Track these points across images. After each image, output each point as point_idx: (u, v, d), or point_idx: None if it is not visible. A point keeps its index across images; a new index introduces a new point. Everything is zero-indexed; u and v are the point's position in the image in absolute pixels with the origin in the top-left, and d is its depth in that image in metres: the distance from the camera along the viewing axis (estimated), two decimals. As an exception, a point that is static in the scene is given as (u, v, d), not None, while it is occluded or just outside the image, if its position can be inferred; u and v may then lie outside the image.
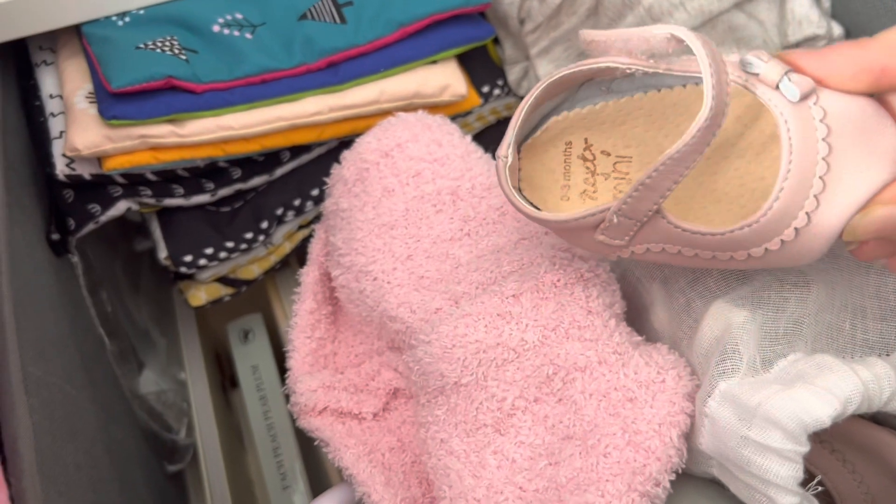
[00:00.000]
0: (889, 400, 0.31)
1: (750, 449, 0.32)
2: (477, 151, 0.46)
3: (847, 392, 0.29)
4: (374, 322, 0.44)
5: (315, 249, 0.48)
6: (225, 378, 0.68)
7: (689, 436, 0.36)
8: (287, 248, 0.57)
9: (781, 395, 0.30)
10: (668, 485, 0.35)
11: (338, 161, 0.47)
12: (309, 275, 0.48)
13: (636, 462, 0.34)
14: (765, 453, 0.31)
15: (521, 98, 0.59)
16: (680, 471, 0.36)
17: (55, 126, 0.49)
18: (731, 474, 0.35)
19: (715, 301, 0.37)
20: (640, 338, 0.39)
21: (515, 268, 0.40)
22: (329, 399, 0.44)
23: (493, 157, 0.45)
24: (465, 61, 0.56)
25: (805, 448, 0.30)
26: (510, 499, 0.36)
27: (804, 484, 0.34)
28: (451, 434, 0.39)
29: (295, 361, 0.45)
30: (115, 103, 0.45)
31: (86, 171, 0.48)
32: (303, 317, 0.46)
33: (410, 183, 0.44)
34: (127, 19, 0.49)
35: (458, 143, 0.46)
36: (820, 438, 0.44)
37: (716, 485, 0.38)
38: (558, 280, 0.39)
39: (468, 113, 0.57)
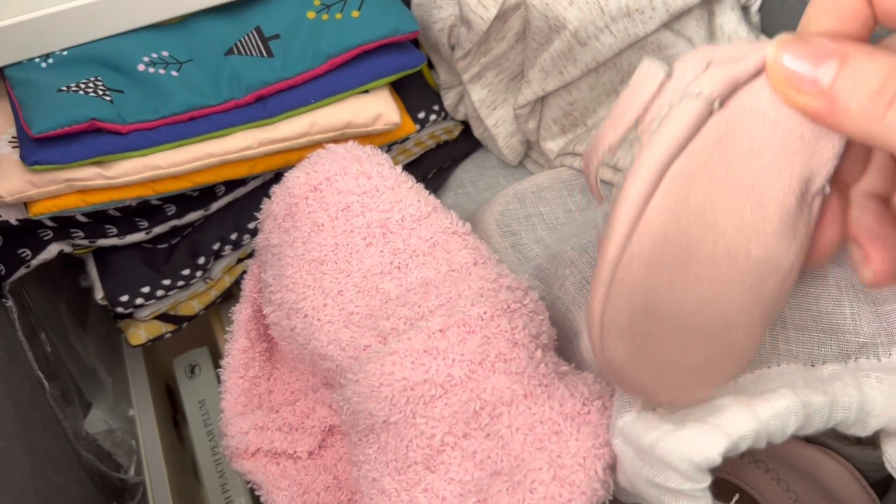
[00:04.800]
0: (799, 430, 0.31)
1: (655, 489, 0.32)
2: (408, 182, 0.46)
3: (739, 430, 0.29)
4: (306, 359, 0.44)
5: (248, 286, 0.48)
6: (177, 412, 0.67)
7: (613, 468, 0.36)
8: (227, 282, 0.56)
9: (670, 436, 0.30)
10: None
11: (268, 196, 0.47)
12: (242, 312, 0.47)
13: (562, 497, 0.34)
14: (669, 492, 0.31)
15: (459, 122, 0.59)
16: (607, 503, 0.36)
17: (-21, 172, 0.48)
18: None
19: None
20: (567, 367, 0.39)
21: (443, 301, 0.40)
22: (262, 440, 0.43)
23: (425, 186, 0.46)
24: (400, 87, 0.56)
25: (704, 483, 0.30)
26: None
27: (728, 498, 0.34)
28: (382, 473, 0.38)
29: (227, 403, 0.45)
30: (37, 148, 0.45)
31: (12, 217, 0.47)
32: (235, 356, 0.46)
33: (340, 217, 0.44)
34: (50, 60, 0.49)
35: (387, 175, 0.45)
36: (754, 458, 0.44)
37: None
38: (484, 313, 0.38)
39: (406, 139, 0.57)
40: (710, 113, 0.27)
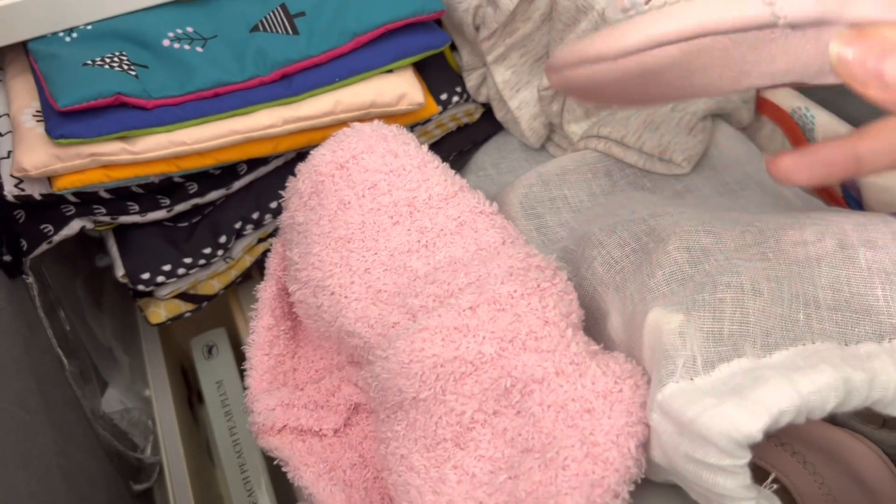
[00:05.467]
0: (838, 407, 0.31)
1: (693, 464, 0.31)
2: (434, 161, 0.45)
3: (780, 405, 0.29)
4: (332, 337, 0.44)
5: (272, 264, 0.48)
6: (192, 393, 0.67)
7: (646, 445, 0.36)
8: (247, 261, 0.56)
9: (712, 411, 0.30)
10: (626, 496, 0.35)
11: (293, 174, 0.47)
12: (266, 290, 0.47)
13: (594, 474, 0.34)
14: (707, 468, 0.31)
15: (481, 104, 0.59)
16: (640, 481, 0.36)
17: (2, 146, 0.48)
18: (688, 482, 0.35)
19: (653, 307, 0.37)
20: (597, 346, 0.39)
21: (472, 279, 0.40)
22: (288, 417, 0.43)
23: (451, 166, 0.45)
24: (422, 69, 0.55)
25: (744, 460, 0.30)
26: None
27: (762, 481, 0.34)
28: (410, 450, 0.38)
29: (253, 380, 0.45)
30: (62, 122, 0.44)
31: (36, 192, 0.47)
32: (260, 333, 0.46)
33: (366, 195, 0.44)
34: (74, 35, 0.48)
35: (414, 154, 0.45)
36: (780, 441, 0.44)
37: (679, 490, 0.38)
38: (514, 291, 0.38)
39: (427, 121, 0.57)
40: (772, 24, 0.28)
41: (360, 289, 0.42)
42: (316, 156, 0.45)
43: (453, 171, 0.45)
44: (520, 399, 0.37)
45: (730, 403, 0.30)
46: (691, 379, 0.34)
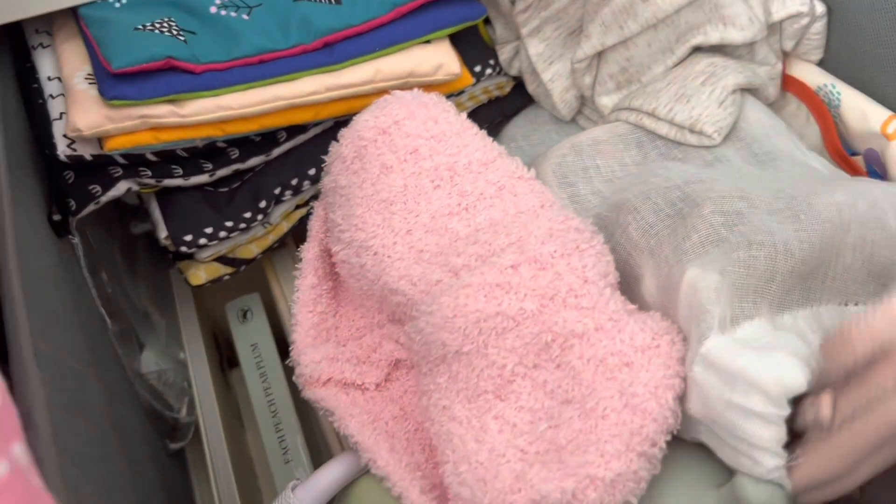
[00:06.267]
0: None
1: (734, 413, 0.33)
2: (473, 128, 0.47)
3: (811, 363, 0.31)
4: (374, 296, 0.45)
5: (315, 226, 0.49)
6: (223, 359, 0.68)
7: (682, 399, 0.37)
8: (285, 227, 0.58)
9: (764, 359, 0.32)
10: (663, 445, 0.36)
11: (335, 139, 0.48)
12: (309, 251, 0.49)
13: (633, 423, 0.35)
14: (748, 417, 0.32)
15: (512, 77, 0.60)
16: (675, 432, 0.37)
17: (55, 108, 0.49)
18: (719, 439, 0.36)
19: (689, 267, 0.38)
20: (633, 306, 0.41)
21: (513, 240, 0.41)
22: (333, 370, 0.45)
23: (489, 134, 0.47)
24: (456, 42, 0.57)
25: (786, 411, 0.32)
26: (512, 461, 0.37)
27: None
28: (453, 401, 0.40)
29: (298, 335, 0.46)
30: (115, 84, 0.46)
31: (86, 152, 0.48)
32: (304, 292, 0.47)
33: (408, 159, 0.45)
34: (124, 1, 0.50)
35: (453, 120, 0.46)
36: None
37: (704, 449, 0.39)
38: (555, 251, 0.40)
39: (461, 92, 0.58)
40: None
41: (403, 249, 0.43)
42: (359, 121, 0.47)
43: (491, 139, 0.46)
44: (560, 353, 0.38)
45: (780, 354, 0.32)
46: (728, 333, 0.35)
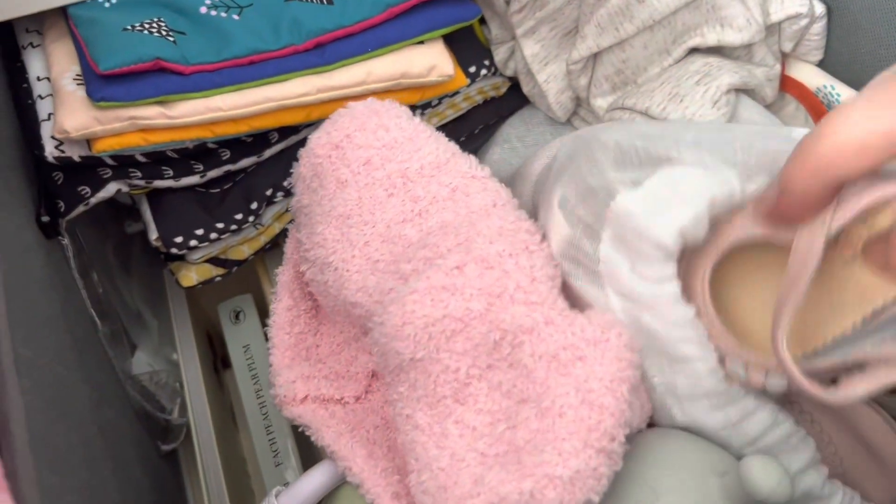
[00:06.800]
0: None
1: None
2: (426, 131, 0.46)
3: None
4: (340, 311, 0.45)
5: (289, 249, 0.50)
6: (216, 359, 0.68)
7: (638, 389, 0.37)
8: (276, 228, 0.57)
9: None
10: (622, 439, 0.35)
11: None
12: (284, 274, 0.49)
13: (591, 419, 0.35)
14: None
15: (507, 78, 0.60)
16: (633, 424, 0.37)
17: (43, 108, 0.49)
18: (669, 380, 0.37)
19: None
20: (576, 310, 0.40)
21: (461, 240, 0.40)
22: (308, 388, 0.45)
23: (471, 141, 0.46)
24: (451, 42, 0.56)
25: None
26: (472, 465, 0.37)
27: None
28: (414, 409, 0.39)
29: (275, 357, 0.47)
30: (103, 85, 0.45)
31: (75, 154, 0.48)
32: (280, 314, 0.48)
33: (361, 171, 0.44)
34: (113, 1, 0.49)
35: (405, 126, 0.45)
36: (801, 409, 0.45)
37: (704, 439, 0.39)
38: (503, 250, 0.39)
39: (455, 94, 0.57)
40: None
41: (361, 261, 0.43)
42: (313, 139, 0.46)
43: (445, 139, 0.46)
44: (511, 351, 0.38)
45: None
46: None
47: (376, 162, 0.44)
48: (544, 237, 0.41)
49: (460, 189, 0.43)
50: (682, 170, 0.37)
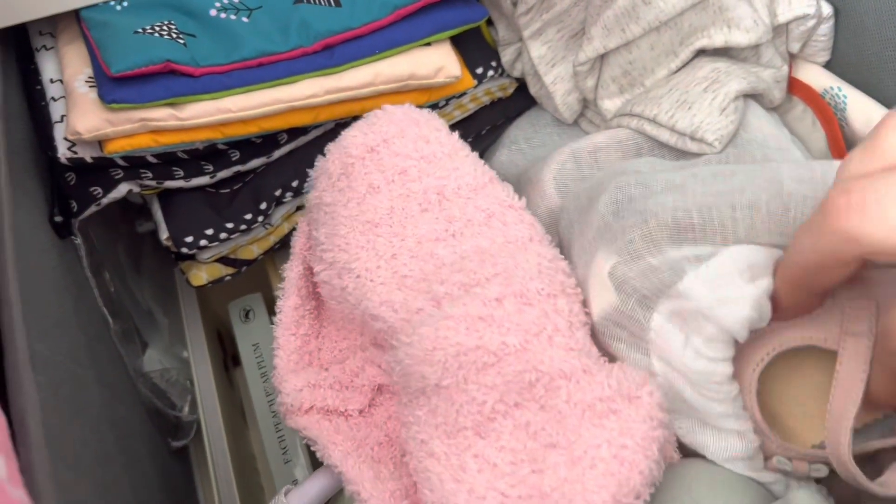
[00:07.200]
0: None
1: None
2: (464, 149, 0.45)
3: None
4: (356, 319, 0.44)
5: (298, 243, 0.48)
6: (227, 356, 0.69)
7: (665, 449, 0.37)
8: (285, 228, 0.58)
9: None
10: (647, 497, 0.35)
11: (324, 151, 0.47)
12: (292, 269, 0.48)
13: (620, 475, 0.34)
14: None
15: (514, 79, 0.60)
16: (658, 484, 0.36)
17: (56, 110, 0.49)
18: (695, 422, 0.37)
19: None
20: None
21: (500, 270, 0.40)
22: (314, 398, 0.44)
23: (478, 142, 0.46)
24: (458, 43, 0.57)
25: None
26: None
27: None
28: (431, 435, 0.38)
29: (280, 360, 0.46)
30: (115, 87, 0.46)
31: (87, 155, 0.49)
32: (287, 313, 0.47)
33: (396, 180, 0.44)
34: (125, 4, 0.50)
35: (445, 141, 0.45)
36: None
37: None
38: (542, 288, 0.39)
39: (462, 94, 0.58)
40: None
41: (386, 273, 0.42)
42: (347, 136, 0.45)
43: (483, 162, 0.45)
44: (544, 394, 0.37)
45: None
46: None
47: (413, 173, 0.43)
48: (580, 281, 0.40)
49: (497, 216, 0.42)
50: (746, 250, 0.36)
